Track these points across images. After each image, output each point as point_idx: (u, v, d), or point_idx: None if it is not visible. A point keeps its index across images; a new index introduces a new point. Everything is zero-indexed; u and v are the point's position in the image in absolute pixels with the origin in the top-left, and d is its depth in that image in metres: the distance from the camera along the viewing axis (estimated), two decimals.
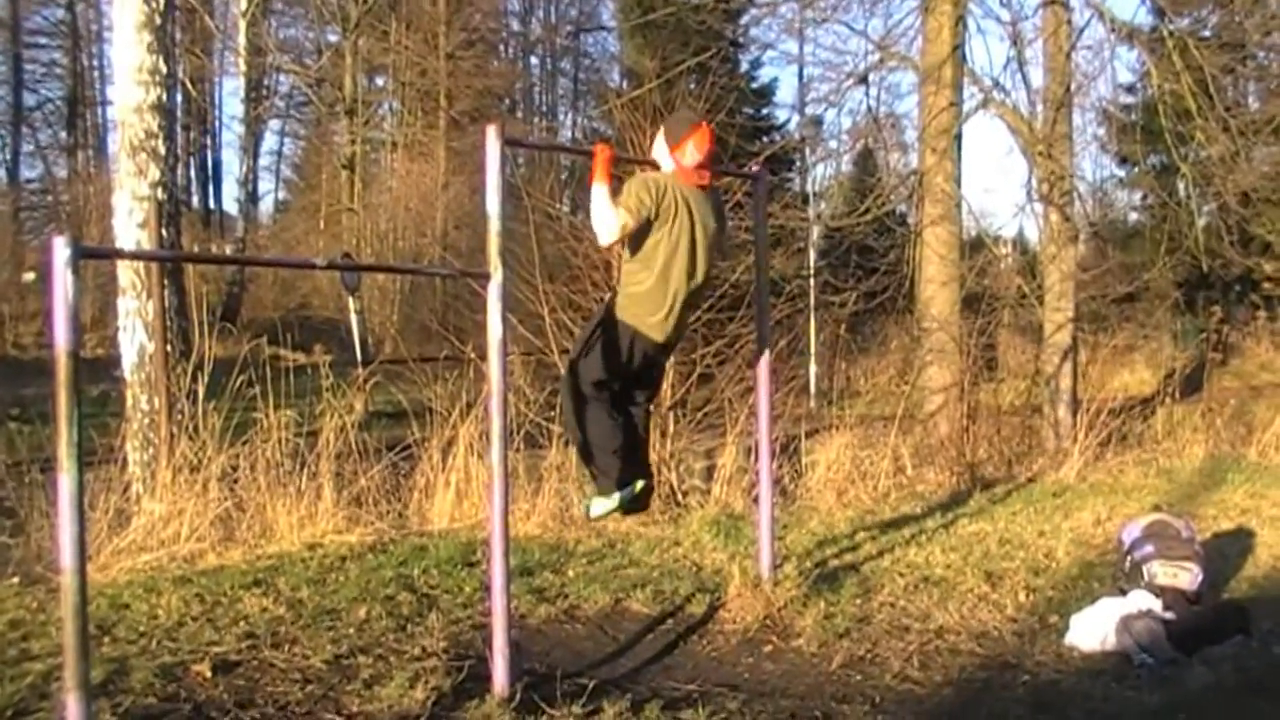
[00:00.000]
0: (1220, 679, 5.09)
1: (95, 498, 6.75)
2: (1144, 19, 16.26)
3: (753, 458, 8.03)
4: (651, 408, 6.10)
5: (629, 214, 5.16)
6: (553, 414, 9.23)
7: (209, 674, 4.83)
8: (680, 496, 9.18)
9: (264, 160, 42.46)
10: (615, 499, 5.53)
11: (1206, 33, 16.69)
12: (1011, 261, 19.50)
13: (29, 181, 36.50)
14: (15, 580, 6.26)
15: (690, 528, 8.10)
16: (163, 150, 7.98)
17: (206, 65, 34.83)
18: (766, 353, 6.47)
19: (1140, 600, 5.81)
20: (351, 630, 5.56)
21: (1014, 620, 6.07)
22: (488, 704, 4.54)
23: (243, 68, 31.66)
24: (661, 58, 15.46)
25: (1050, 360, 13.60)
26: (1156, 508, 6.87)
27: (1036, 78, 14.23)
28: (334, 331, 24.54)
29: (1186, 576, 6.01)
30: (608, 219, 5.18)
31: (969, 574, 6.87)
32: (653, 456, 8.94)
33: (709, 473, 9.44)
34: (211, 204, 41.15)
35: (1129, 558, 6.26)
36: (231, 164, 41.24)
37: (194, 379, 7.65)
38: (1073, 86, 14.00)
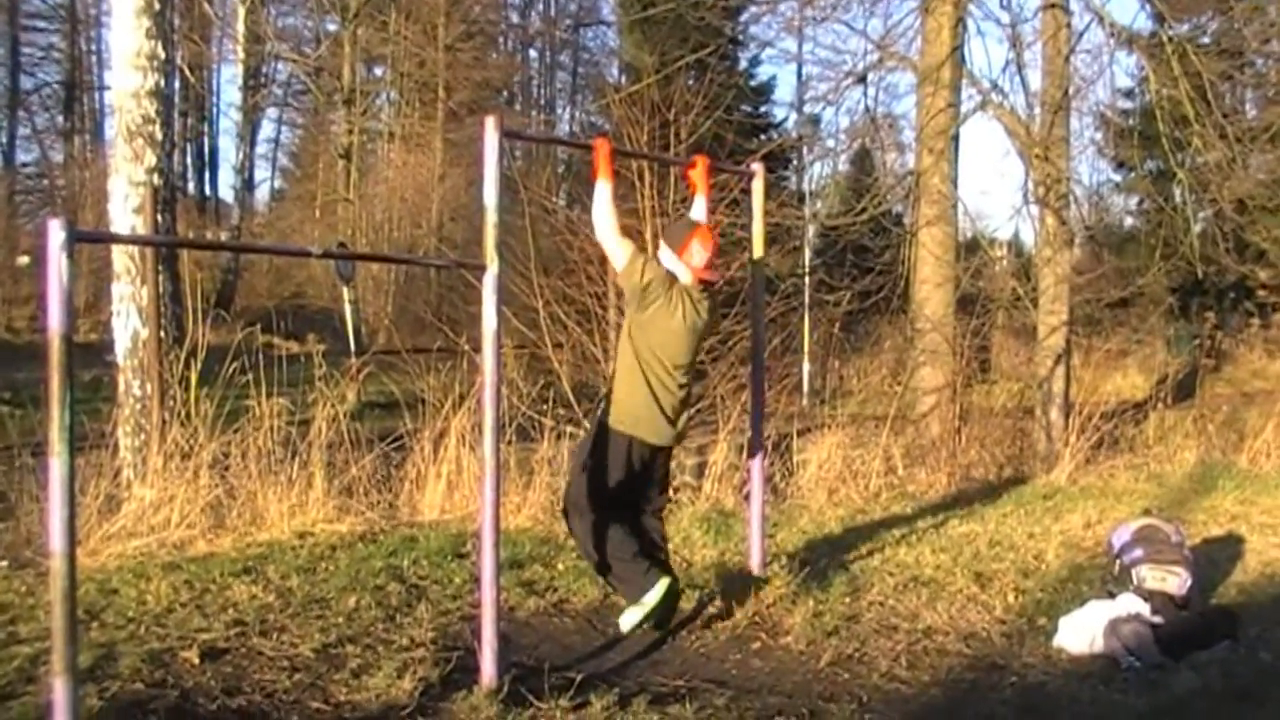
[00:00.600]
0: (1207, 684, 5.09)
1: (86, 483, 6.73)
2: (1143, 24, 16.24)
3: (744, 455, 8.04)
4: (662, 514, 6.06)
5: (632, 264, 5.39)
6: (545, 407, 9.24)
7: (197, 660, 4.83)
8: (671, 493, 9.17)
9: (261, 148, 42.50)
10: (650, 599, 5.42)
11: (1205, 39, 16.72)
12: (1006, 264, 19.54)
13: (25, 165, 36.45)
14: (4, 564, 6.26)
15: (681, 524, 8.10)
16: (159, 136, 7.97)
17: (205, 52, 34.71)
18: (760, 350, 6.47)
19: (1129, 604, 5.82)
20: (340, 619, 5.56)
21: (1002, 621, 6.08)
22: (475, 695, 4.54)
23: (241, 55, 31.64)
24: (660, 53, 15.50)
25: (1043, 363, 13.60)
26: (1147, 512, 6.88)
27: (1035, 80, 14.23)
28: (328, 321, 24.51)
29: (1175, 581, 6.02)
30: (613, 235, 5.41)
31: (958, 575, 6.87)
32: None
33: (700, 469, 9.44)
34: (207, 191, 41.09)
35: (1118, 561, 6.27)
36: (228, 151, 41.35)
37: (187, 365, 7.66)
38: (1071, 90, 13.99)
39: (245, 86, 32.62)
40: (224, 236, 31.48)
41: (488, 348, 4.76)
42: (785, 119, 32.26)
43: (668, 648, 5.53)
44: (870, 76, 15.00)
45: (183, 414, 7.51)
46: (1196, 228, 15.97)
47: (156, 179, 7.91)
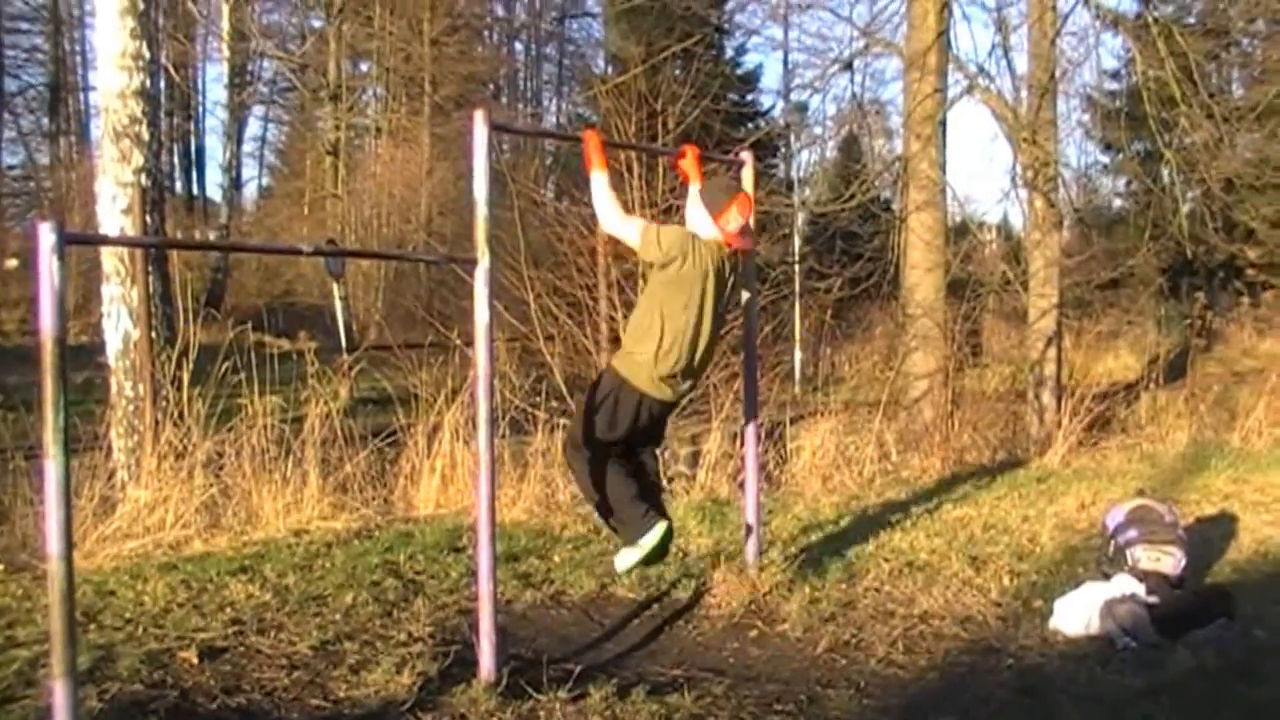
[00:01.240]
0: (1203, 662, 5.11)
1: (80, 485, 6.74)
2: (1129, 5, 16.36)
3: (738, 444, 8.05)
4: (656, 452, 6.04)
5: (646, 237, 5.29)
6: (538, 400, 9.25)
7: (195, 660, 4.83)
8: (666, 483, 9.19)
9: (248, 146, 42.35)
10: (647, 541, 5.38)
11: (1191, 19, 16.81)
12: (996, 247, 19.58)
13: (11, 168, 36.35)
14: (0, 568, 6.25)
15: (676, 513, 8.10)
16: (146, 136, 7.95)
17: (190, 50, 34.63)
18: (752, 339, 6.47)
19: (1124, 585, 5.84)
20: (338, 616, 5.57)
21: (998, 605, 6.09)
22: (474, 689, 4.55)
23: (226, 53, 31.54)
24: (646, 44, 15.48)
25: (1035, 346, 13.63)
26: (1140, 493, 6.90)
27: (1021, 64, 14.26)
28: (318, 318, 24.50)
29: (1169, 561, 6.04)
30: (618, 216, 5.37)
31: (954, 559, 6.90)
32: None
33: (695, 459, 9.46)
34: (195, 190, 40.99)
35: (1113, 542, 6.29)
36: (215, 150, 41.00)
37: (179, 365, 7.64)
38: (1058, 73, 14.01)
39: (231, 85, 32.54)
40: (212, 235, 31.40)
41: (480, 342, 4.75)
42: (772, 107, 32.31)
43: (665, 637, 5.55)
44: (857, 63, 15.08)
45: (176, 414, 7.50)
46: (1185, 208, 15.98)
47: (144, 179, 7.90)
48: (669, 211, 10.20)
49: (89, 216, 17.79)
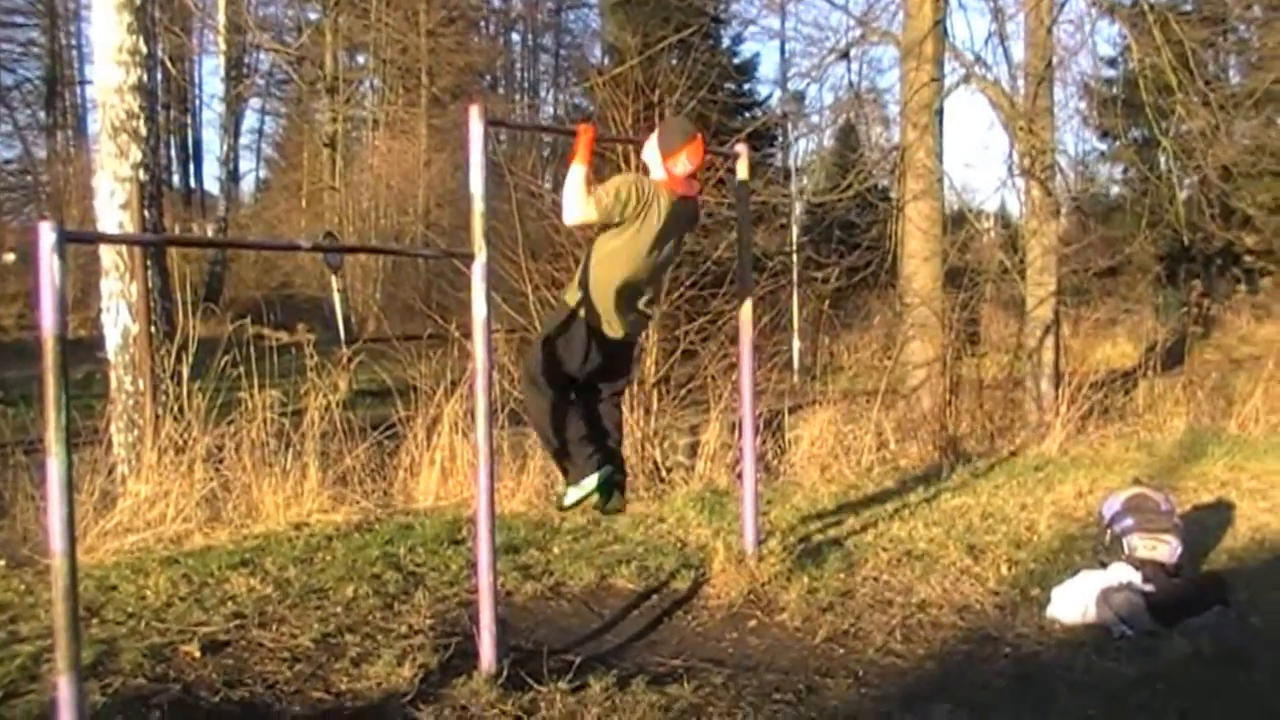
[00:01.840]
0: (1199, 650, 5.14)
1: (80, 480, 6.74)
2: None
3: (736, 434, 8.07)
4: (620, 401, 6.03)
5: (598, 207, 5.16)
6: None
7: (198, 654, 4.85)
8: (664, 473, 9.21)
9: (245, 139, 42.36)
10: (588, 483, 5.45)
11: (1187, 7, 16.76)
12: (993, 236, 19.54)
13: (7, 162, 36.28)
14: (1, 563, 6.26)
15: (675, 504, 8.14)
16: (144, 131, 7.95)
17: (186, 43, 34.56)
18: (749, 329, 6.49)
19: (1120, 573, 5.86)
20: (339, 609, 5.59)
21: (996, 593, 6.12)
22: (475, 681, 4.58)
23: (222, 46, 31.49)
24: (643, 34, 15.47)
25: (1032, 334, 13.65)
26: (1137, 481, 6.93)
27: (1018, 52, 14.28)
28: (317, 310, 24.50)
29: (1166, 549, 6.06)
30: (577, 202, 5.19)
31: (951, 548, 6.92)
32: (636, 434, 9.02)
33: (693, 449, 9.47)
34: (192, 183, 40.97)
35: (1109, 531, 6.31)
36: (212, 143, 41.15)
37: (178, 359, 7.64)
38: (1054, 61, 14.02)
39: (227, 77, 32.46)
40: (210, 228, 31.37)
41: (478, 335, 4.77)
42: (769, 96, 32.37)
43: (665, 627, 5.57)
44: (853, 52, 15.07)
45: (175, 408, 7.51)
46: (1182, 195, 16.03)
47: (142, 174, 7.89)
48: None
49: (86, 210, 17.81)
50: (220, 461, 7.48)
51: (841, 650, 5.24)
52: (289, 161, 39.49)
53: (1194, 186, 16.62)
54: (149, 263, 7.89)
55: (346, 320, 19.24)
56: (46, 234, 3.41)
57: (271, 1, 38.47)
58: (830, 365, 15.64)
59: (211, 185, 38.29)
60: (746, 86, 30.71)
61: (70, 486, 3.47)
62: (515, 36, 45.95)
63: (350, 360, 9.30)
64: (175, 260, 8.80)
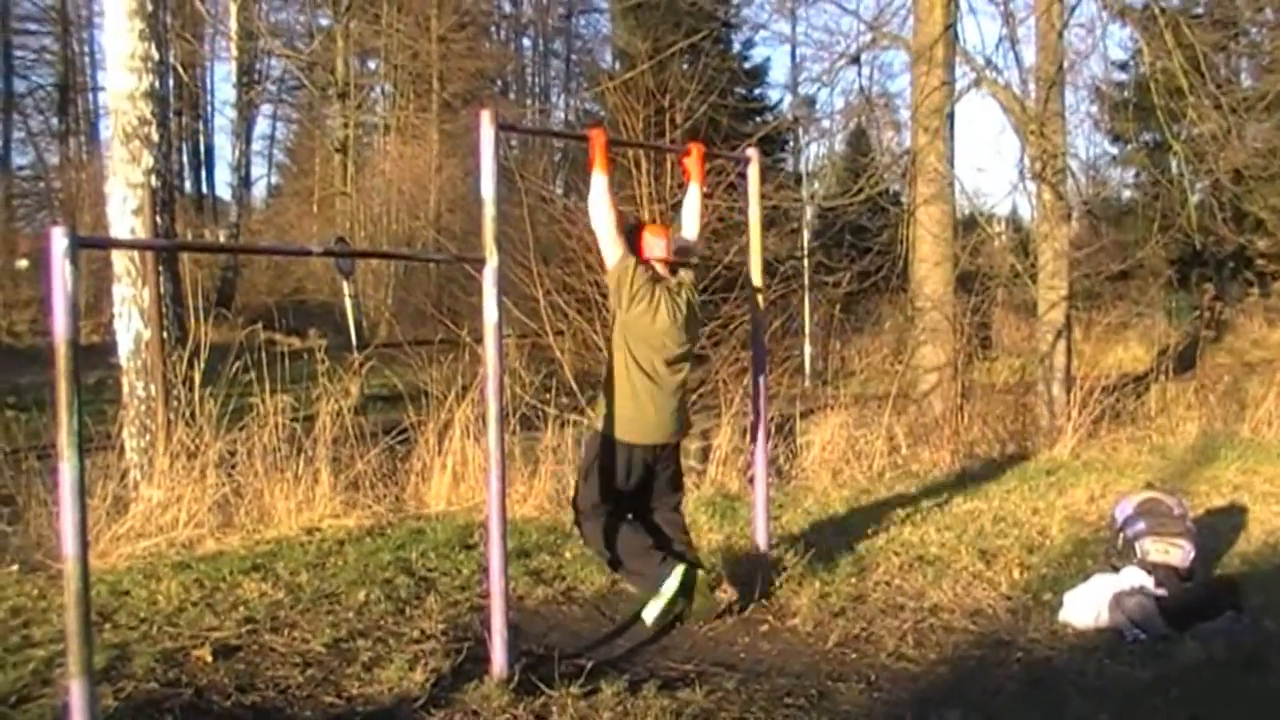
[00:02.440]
0: (1212, 654, 5.12)
1: (93, 485, 6.76)
2: None
3: (748, 438, 8.06)
4: (681, 507, 6.05)
5: (623, 260, 5.45)
6: (548, 396, 9.26)
7: (210, 659, 4.86)
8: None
9: (256, 145, 42.36)
10: (667, 589, 5.41)
11: (1199, 10, 16.73)
12: (1005, 240, 19.53)
13: (20, 169, 36.34)
14: (15, 568, 6.29)
15: (686, 509, 8.11)
16: (156, 137, 7.98)
17: (198, 50, 34.65)
18: (761, 334, 6.49)
19: (1133, 577, 5.84)
20: (350, 614, 5.60)
21: (1008, 598, 6.11)
22: (486, 685, 4.57)
23: (234, 52, 31.57)
24: (654, 39, 15.50)
25: (1044, 338, 13.61)
26: (1149, 485, 6.91)
27: (1029, 56, 14.26)
28: (328, 315, 24.55)
29: (1178, 553, 6.04)
30: (609, 229, 5.47)
31: (963, 552, 6.91)
32: None
33: (705, 454, 9.47)
34: (204, 189, 41.03)
35: (1122, 535, 6.29)
36: (224, 149, 41.31)
37: (190, 365, 7.67)
38: (1065, 64, 13.98)
39: (239, 83, 32.53)
40: (222, 234, 31.44)
41: (489, 340, 4.77)
42: (780, 101, 32.29)
43: (676, 632, 5.56)
44: (864, 56, 15.10)
45: (187, 414, 7.53)
46: (1194, 199, 15.97)
47: (154, 180, 7.92)
48: (677, 208, 10.21)
49: (99, 216, 17.84)
50: (232, 467, 7.50)
51: (853, 655, 5.24)
52: (300, 167, 39.54)
53: (1206, 190, 16.57)
54: (161, 268, 7.92)
55: (358, 325, 19.26)
56: (59, 239, 3.42)
57: (283, 7, 38.54)
58: (841, 370, 15.63)
59: (223, 191, 38.51)
60: (757, 91, 30.73)
61: (83, 491, 3.48)
62: (526, 42, 45.96)
63: (362, 365, 9.32)
64: (187, 266, 8.81)
